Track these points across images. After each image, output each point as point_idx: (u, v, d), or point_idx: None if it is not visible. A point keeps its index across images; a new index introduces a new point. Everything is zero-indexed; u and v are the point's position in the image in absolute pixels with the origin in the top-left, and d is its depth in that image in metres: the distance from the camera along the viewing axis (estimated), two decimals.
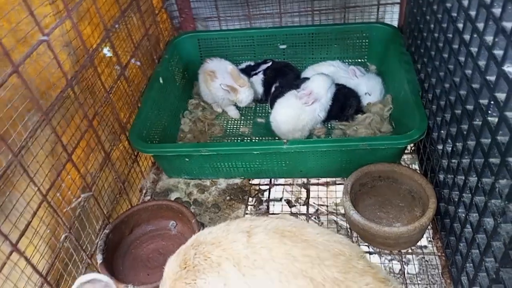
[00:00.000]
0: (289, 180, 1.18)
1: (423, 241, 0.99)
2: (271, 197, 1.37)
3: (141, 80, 1.28)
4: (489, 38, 0.64)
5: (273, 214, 1.21)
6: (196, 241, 0.67)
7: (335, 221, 1.38)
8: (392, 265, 1.26)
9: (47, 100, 0.91)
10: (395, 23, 1.38)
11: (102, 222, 1.03)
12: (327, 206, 1.52)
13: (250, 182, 1.16)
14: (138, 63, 1.23)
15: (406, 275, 1.21)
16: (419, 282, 1.07)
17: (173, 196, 1.15)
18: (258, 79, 1.36)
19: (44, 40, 0.80)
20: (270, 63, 1.36)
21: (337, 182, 1.17)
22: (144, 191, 1.21)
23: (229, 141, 1.27)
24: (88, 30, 1.06)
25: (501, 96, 0.60)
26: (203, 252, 0.63)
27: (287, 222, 0.66)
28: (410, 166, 1.13)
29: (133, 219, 1.04)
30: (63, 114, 0.93)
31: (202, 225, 1.06)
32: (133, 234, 1.05)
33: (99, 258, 0.92)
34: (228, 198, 1.13)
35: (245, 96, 1.26)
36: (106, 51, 1.12)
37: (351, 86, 1.27)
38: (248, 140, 1.27)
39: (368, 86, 1.25)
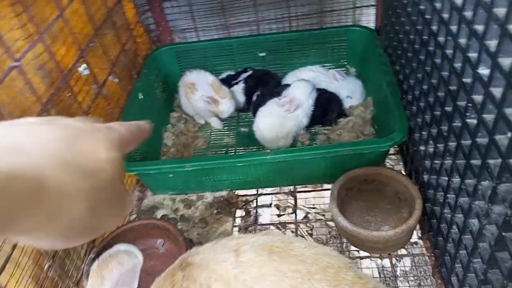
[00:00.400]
0: (276, 189, 1.17)
1: (412, 243, 0.99)
2: (259, 206, 1.37)
3: (121, 96, 1.26)
4: (463, 41, 0.64)
5: (261, 224, 1.20)
6: (184, 263, 0.65)
7: (326, 223, 1.38)
8: (383, 268, 1.26)
9: None
10: (372, 25, 1.39)
11: (87, 247, 1.01)
12: (315, 208, 1.52)
13: (237, 193, 1.15)
14: (116, 79, 1.22)
15: (397, 277, 1.22)
16: (410, 284, 1.08)
17: (159, 213, 1.14)
18: (239, 88, 1.35)
19: (15, 66, 0.78)
20: (251, 71, 1.35)
21: (324, 187, 1.17)
22: None
23: (213, 153, 1.26)
24: (62, 50, 1.04)
25: (478, 98, 0.60)
26: (191, 275, 0.62)
27: (274, 237, 0.65)
28: (395, 168, 1.13)
29: (119, 241, 1.02)
30: None
31: (190, 241, 1.05)
32: None
33: (85, 284, 0.90)
34: (215, 211, 1.11)
35: (226, 107, 1.26)
36: (83, 69, 1.10)
37: (332, 90, 1.27)
38: (233, 151, 1.26)
39: (348, 90, 1.26)
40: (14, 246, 0.76)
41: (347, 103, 1.25)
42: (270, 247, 0.63)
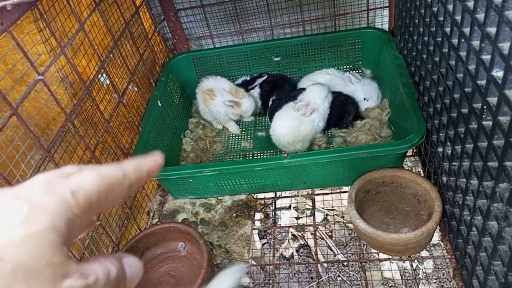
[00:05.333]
0: (294, 192, 1.18)
1: (432, 246, 0.99)
2: (278, 209, 1.38)
3: (140, 104, 1.29)
4: (476, 43, 0.64)
5: (280, 227, 1.21)
6: None
7: (345, 225, 1.38)
8: (405, 271, 1.25)
9: (48, 136, 0.93)
10: (386, 27, 1.39)
11: (112, 250, 1.04)
12: (335, 211, 1.52)
13: (255, 196, 1.17)
14: (136, 88, 1.25)
15: (419, 279, 1.21)
16: (432, 287, 1.07)
17: (180, 217, 1.16)
18: (255, 93, 1.37)
19: (39, 79, 0.81)
20: (266, 76, 1.37)
21: (342, 190, 1.18)
22: (151, 214, 1.22)
23: (231, 157, 1.28)
24: (84, 62, 1.08)
25: (493, 100, 0.60)
26: None
27: None
28: (413, 169, 1.13)
29: (142, 244, 1.05)
30: (65, 148, 0.94)
31: (210, 244, 1.07)
32: (143, 258, 1.05)
33: None
34: (234, 215, 1.13)
35: (248, 105, 1.29)
36: (104, 79, 1.14)
37: (348, 93, 1.27)
38: (250, 155, 1.28)
39: (365, 92, 1.26)
40: None
41: (363, 105, 1.25)
42: None
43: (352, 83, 1.27)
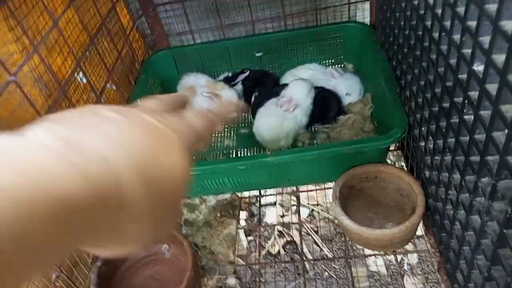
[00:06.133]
0: (279, 190, 1.17)
1: (417, 239, 0.99)
2: (263, 205, 1.36)
3: (119, 103, 1.26)
4: (456, 37, 0.63)
5: (266, 226, 1.20)
6: None
7: (331, 221, 1.38)
8: (390, 263, 1.26)
9: None
10: (367, 21, 1.38)
11: (93, 255, 1.02)
12: (320, 206, 1.52)
13: (240, 195, 1.16)
14: (114, 87, 1.22)
15: (404, 271, 1.21)
16: (416, 280, 1.08)
17: None
18: (237, 89, 1.35)
19: (12, 80, 0.78)
20: (248, 72, 1.35)
21: (327, 187, 1.17)
22: None
23: (214, 156, 1.26)
24: (59, 61, 1.04)
25: (474, 95, 0.60)
26: None
27: None
28: (396, 163, 1.13)
29: None
30: None
31: (195, 246, 1.06)
32: (127, 263, 1.03)
33: None
34: (219, 214, 1.12)
35: (228, 95, 1.27)
36: (81, 77, 1.10)
37: (330, 88, 1.26)
38: (233, 153, 1.26)
39: (347, 86, 1.25)
40: None
41: (346, 100, 1.24)
42: None
43: (334, 78, 1.27)
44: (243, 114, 1.38)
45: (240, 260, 1.41)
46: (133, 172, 0.26)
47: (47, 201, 0.20)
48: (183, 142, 0.31)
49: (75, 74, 1.06)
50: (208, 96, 1.25)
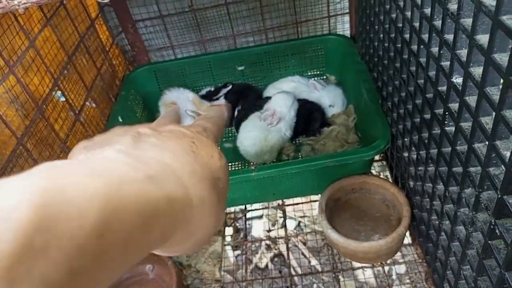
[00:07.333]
0: (265, 204, 1.16)
1: (404, 250, 0.99)
2: (249, 219, 1.35)
3: (100, 120, 1.24)
4: (435, 50, 0.64)
5: (252, 241, 1.19)
6: None
7: (320, 232, 1.37)
8: (378, 273, 1.25)
9: (1, 160, 0.87)
10: (348, 33, 1.40)
11: None
12: (306, 217, 1.51)
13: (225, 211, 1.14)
14: (94, 104, 1.20)
15: (392, 281, 1.21)
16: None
17: None
18: (220, 103, 1.34)
19: None
20: (230, 86, 1.35)
21: (312, 200, 1.17)
22: None
23: None
24: (36, 80, 1.01)
25: (454, 106, 0.60)
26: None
27: None
28: (381, 174, 1.13)
29: None
30: (17, 174, 0.88)
31: (180, 265, 1.03)
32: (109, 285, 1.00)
33: None
34: None
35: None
36: (59, 95, 1.08)
37: (313, 100, 1.27)
38: None
39: (330, 98, 1.25)
40: None
41: (329, 112, 1.25)
42: None
43: (317, 90, 1.27)
44: (227, 128, 1.37)
45: (228, 275, 1.38)
46: (194, 179, 0.30)
47: (132, 204, 0.24)
48: (212, 142, 0.36)
49: (53, 93, 1.03)
50: (191, 115, 1.23)
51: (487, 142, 0.51)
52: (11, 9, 0.71)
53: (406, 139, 0.89)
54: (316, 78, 1.35)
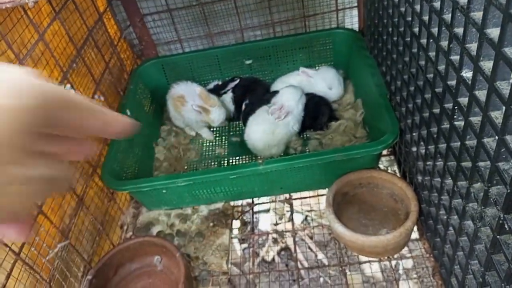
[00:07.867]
0: (272, 197, 1.17)
1: (411, 245, 0.99)
2: (256, 213, 1.35)
3: None
4: (444, 44, 0.64)
5: (259, 234, 1.20)
6: None
7: (326, 226, 1.37)
8: (385, 268, 1.26)
9: None
10: (356, 27, 1.39)
11: (84, 268, 1.00)
12: (313, 211, 1.51)
13: (232, 204, 1.15)
14: (102, 98, 1.20)
15: (399, 275, 1.21)
16: (411, 284, 1.07)
17: (155, 229, 1.13)
18: (227, 97, 1.34)
19: None
20: (238, 80, 1.35)
21: (320, 194, 1.17)
22: (125, 228, 1.18)
23: (206, 165, 1.25)
24: (45, 73, 1.02)
25: (464, 101, 0.60)
26: None
27: None
28: (389, 169, 1.13)
29: (116, 260, 1.01)
30: None
31: (188, 256, 1.04)
32: (118, 275, 1.01)
33: None
34: (211, 224, 1.10)
35: (217, 115, 1.25)
36: (69, 88, 1.09)
37: (310, 87, 1.26)
38: (225, 162, 1.25)
39: (325, 80, 1.25)
40: (8, 276, 0.75)
41: (331, 97, 1.25)
42: None
43: (310, 76, 1.27)
44: (234, 123, 1.37)
45: (234, 268, 1.40)
46: None
47: None
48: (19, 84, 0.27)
49: (63, 86, 1.04)
50: (197, 110, 1.24)
51: (496, 137, 0.51)
52: (21, 3, 0.72)
53: (414, 134, 0.88)
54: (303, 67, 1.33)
